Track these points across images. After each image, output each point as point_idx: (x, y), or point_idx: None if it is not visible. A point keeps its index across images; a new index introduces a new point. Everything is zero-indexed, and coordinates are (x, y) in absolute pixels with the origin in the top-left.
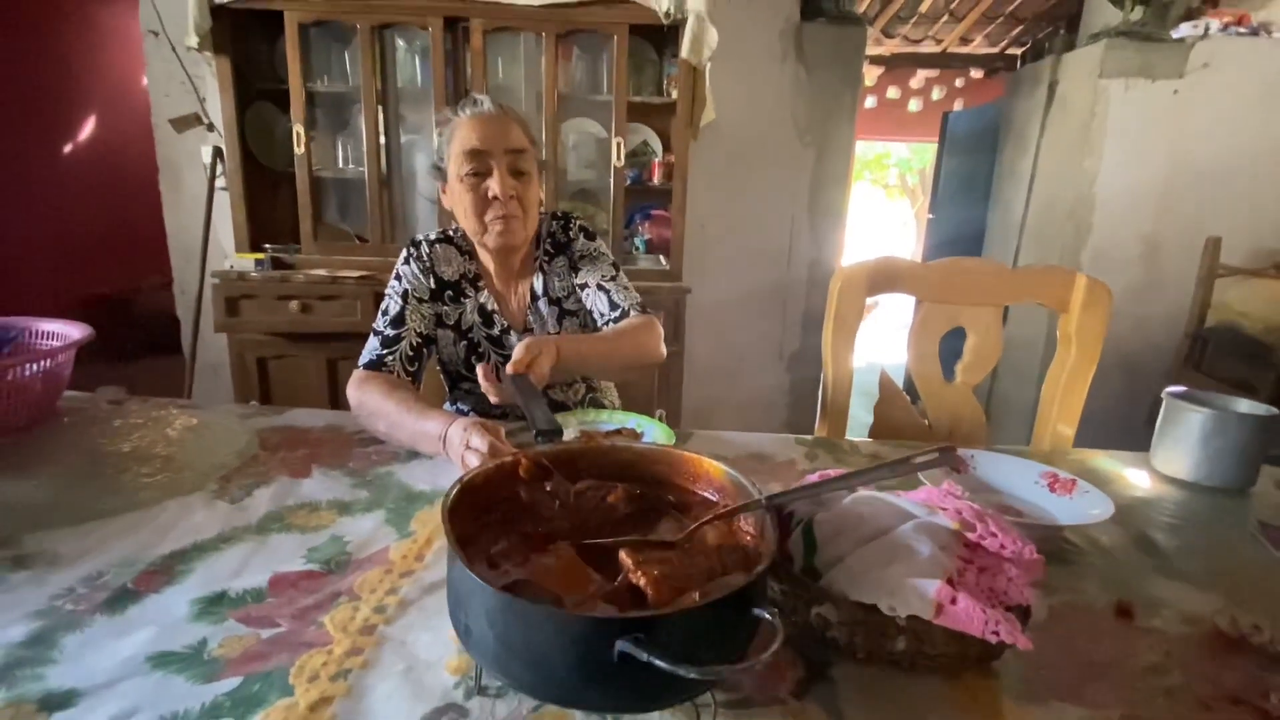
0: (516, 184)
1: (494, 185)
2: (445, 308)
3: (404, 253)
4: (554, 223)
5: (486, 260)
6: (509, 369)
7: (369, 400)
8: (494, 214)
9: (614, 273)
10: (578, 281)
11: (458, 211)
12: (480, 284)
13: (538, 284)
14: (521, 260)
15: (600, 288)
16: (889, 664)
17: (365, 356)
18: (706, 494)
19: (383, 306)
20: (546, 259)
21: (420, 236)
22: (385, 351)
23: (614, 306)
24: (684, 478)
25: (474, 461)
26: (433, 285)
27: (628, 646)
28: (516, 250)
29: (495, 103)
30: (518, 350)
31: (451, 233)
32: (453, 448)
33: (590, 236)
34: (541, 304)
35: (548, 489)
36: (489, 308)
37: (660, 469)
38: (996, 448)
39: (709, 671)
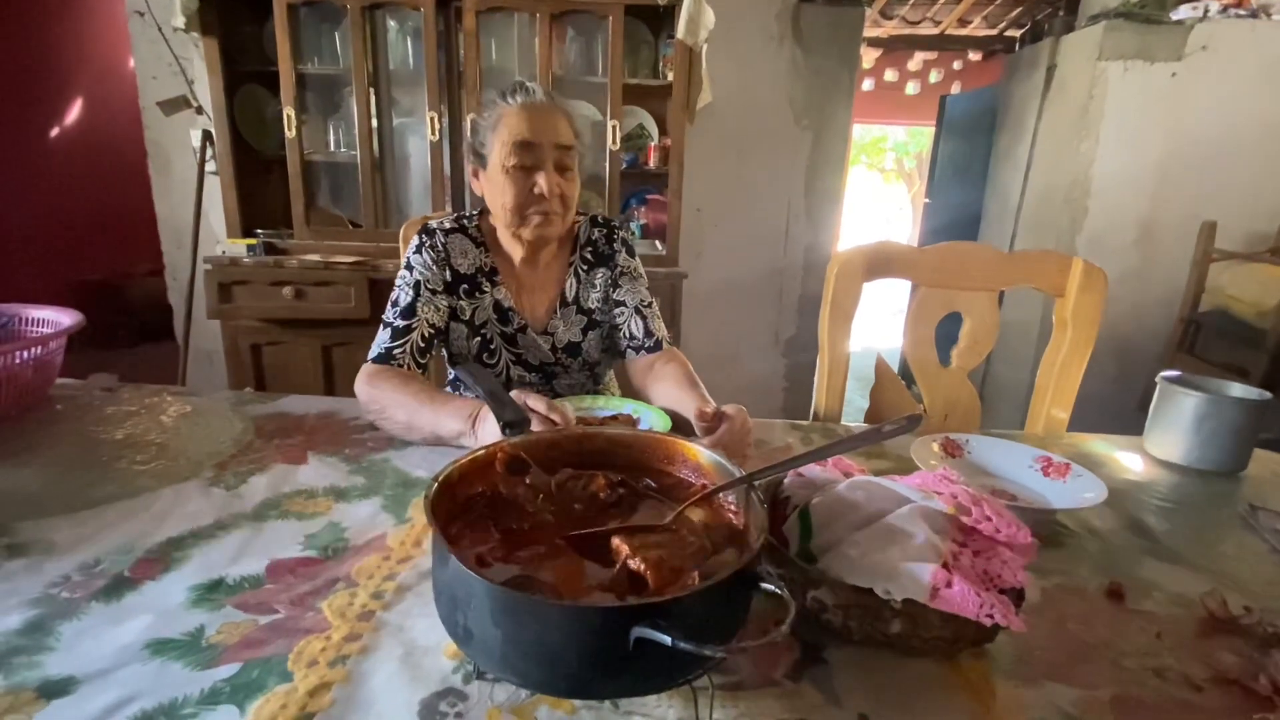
0: (561, 180)
1: (541, 182)
2: (461, 302)
3: (415, 240)
4: (595, 230)
5: (511, 251)
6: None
7: (382, 395)
8: (536, 209)
9: (650, 298)
10: (616, 297)
11: (494, 200)
12: (497, 278)
13: (569, 289)
14: (549, 258)
15: (638, 311)
16: (884, 646)
17: (374, 350)
18: (684, 475)
19: (392, 297)
20: (584, 267)
21: (434, 224)
22: (395, 345)
23: (649, 335)
24: (660, 460)
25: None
26: (448, 278)
27: (646, 632)
28: (549, 244)
29: (546, 91)
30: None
31: (466, 221)
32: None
33: (632, 253)
34: (570, 310)
35: (527, 482)
36: (505, 304)
37: (636, 453)
38: (991, 432)
39: (731, 648)
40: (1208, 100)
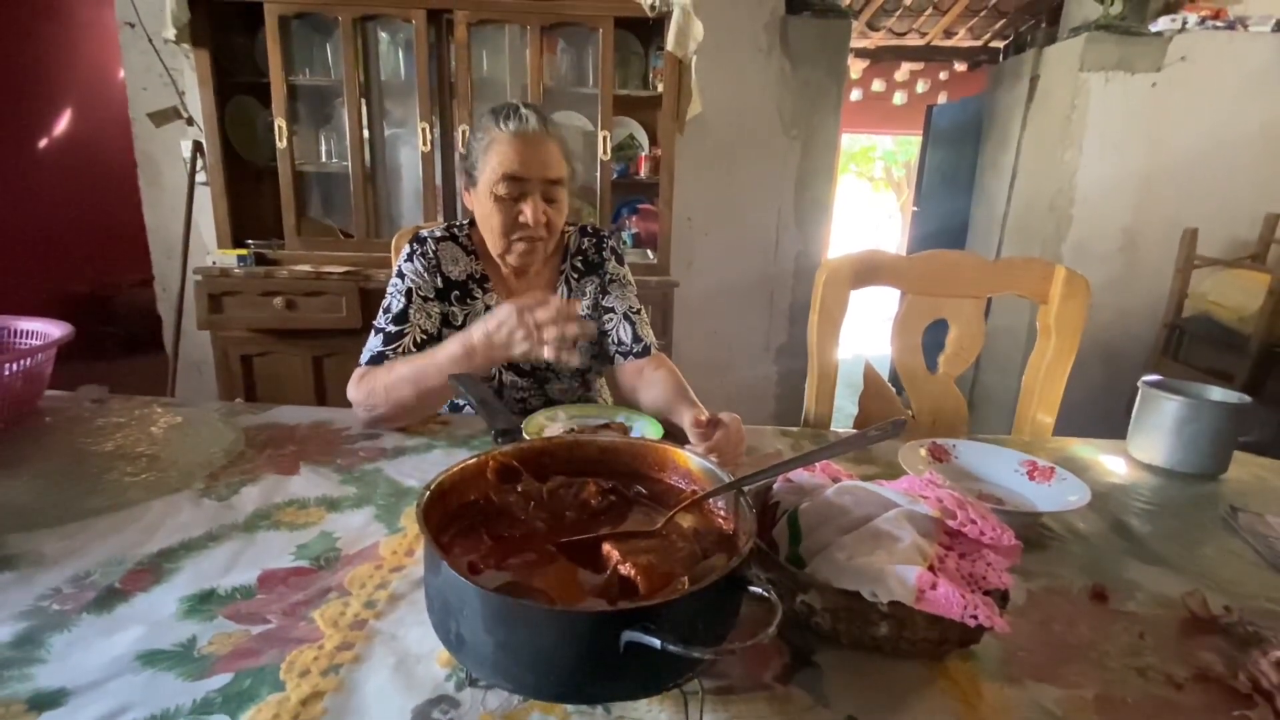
0: (548, 209)
1: (527, 213)
2: (453, 309)
3: (407, 248)
4: (584, 239)
5: (499, 261)
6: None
7: (378, 383)
8: (521, 235)
9: (639, 305)
10: (605, 304)
11: (482, 222)
12: (488, 285)
13: (560, 298)
14: (539, 267)
15: (627, 318)
16: (872, 649)
17: (366, 354)
18: (674, 481)
19: (384, 304)
20: (575, 275)
21: (425, 232)
22: (387, 349)
23: (637, 340)
24: (651, 467)
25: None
26: (439, 285)
27: (636, 635)
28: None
29: (539, 118)
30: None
31: (456, 230)
32: (501, 322)
33: (620, 261)
34: None
35: (519, 489)
36: None
37: (627, 461)
38: (978, 437)
39: (720, 650)
40: (1187, 110)
